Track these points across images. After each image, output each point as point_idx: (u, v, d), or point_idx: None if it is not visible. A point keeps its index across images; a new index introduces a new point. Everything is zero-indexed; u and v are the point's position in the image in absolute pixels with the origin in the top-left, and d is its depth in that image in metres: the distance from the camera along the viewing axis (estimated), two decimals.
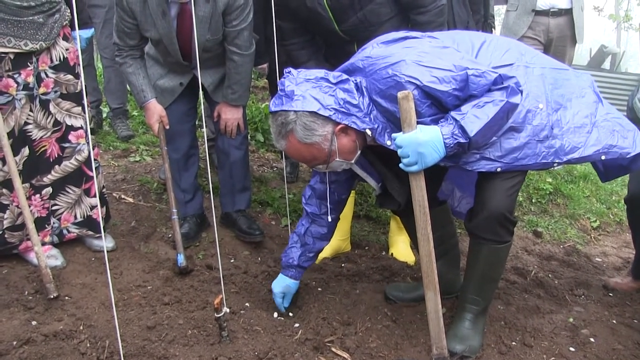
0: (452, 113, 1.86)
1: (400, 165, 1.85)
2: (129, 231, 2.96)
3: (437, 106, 1.87)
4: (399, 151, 1.83)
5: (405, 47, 1.92)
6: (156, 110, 2.73)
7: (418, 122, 1.83)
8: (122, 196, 3.30)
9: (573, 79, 2.14)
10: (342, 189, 2.30)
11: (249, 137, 4.27)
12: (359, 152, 1.98)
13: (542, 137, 2.01)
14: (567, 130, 2.04)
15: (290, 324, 2.28)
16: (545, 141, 2.02)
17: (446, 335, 1.99)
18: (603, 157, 2.07)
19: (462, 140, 1.84)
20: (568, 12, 3.92)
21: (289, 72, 1.94)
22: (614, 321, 2.49)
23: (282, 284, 2.36)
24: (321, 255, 2.89)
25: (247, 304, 2.40)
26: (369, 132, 1.87)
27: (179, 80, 2.81)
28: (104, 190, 2.86)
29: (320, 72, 1.91)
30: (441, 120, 1.88)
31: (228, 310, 2.09)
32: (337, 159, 1.93)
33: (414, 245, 2.53)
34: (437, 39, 2.06)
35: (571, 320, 2.45)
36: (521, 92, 1.91)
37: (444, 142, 1.83)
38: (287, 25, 2.76)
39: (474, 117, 1.83)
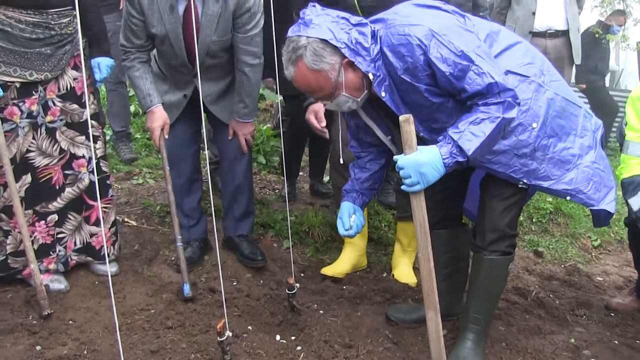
0: (450, 131, 1.89)
1: (403, 187, 1.87)
2: (132, 254, 2.99)
3: (434, 79, 1.90)
4: (400, 172, 1.86)
5: (432, 15, 1.94)
6: (162, 115, 2.70)
7: (414, 88, 1.90)
8: (126, 219, 3.33)
9: (581, 117, 2.15)
10: (376, 159, 2.30)
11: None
12: (365, 92, 1.98)
13: (520, 153, 2.06)
14: (550, 159, 2.09)
15: (292, 347, 2.30)
16: (522, 158, 2.06)
17: (448, 357, 2.00)
18: (568, 198, 2.13)
19: (460, 159, 1.87)
20: (565, 34, 3.98)
21: (314, 4, 1.97)
22: (616, 342, 2.50)
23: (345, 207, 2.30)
24: (342, 270, 2.96)
25: (249, 327, 2.42)
26: (371, 76, 1.90)
27: (182, 92, 2.82)
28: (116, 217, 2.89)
29: (344, 13, 1.95)
30: (440, 138, 1.92)
31: (230, 334, 2.10)
32: (344, 94, 1.94)
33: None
34: (468, 20, 2.05)
35: (572, 340, 2.46)
36: (519, 104, 1.92)
37: (443, 162, 1.86)
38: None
39: (471, 135, 1.86)
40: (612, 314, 2.76)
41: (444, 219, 2.40)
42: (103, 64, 2.66)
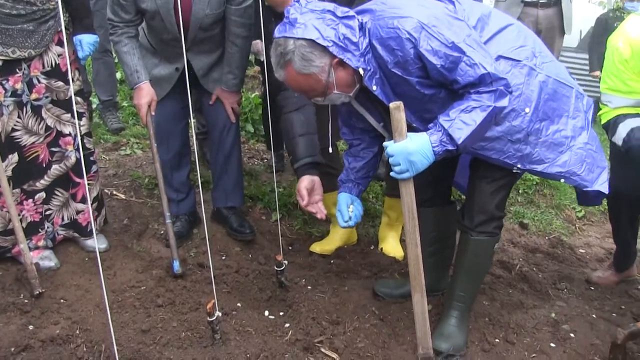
0: (440, 119, 1.89)
1: (392, 173, 1.89)
2: (122, 229, 3.01)
3: (425, 71, 1.89)
4: (390, 160, 1.87)
5: (421, 4, 1.91)
6: (149, 92, 2.69)
7: (405, 81, 1.89)
8: (114, 192, 3.34)
9: (573, 98, 2.15)
10: (369, 146, 2.31)
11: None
12: (357, 87, 1.99)
13: (514, 139, 2.07)
14: (543, 142, 2.10)
15: (280, 324, 2.35)
16: (516, 143, 2.08)
17: (432, 334, 2.06)
18: (562, 180, 2.15)
19: (450, 147, 1.88)
20: (557, 3, 3.95)
21: (298, 0, 1.94)
22: (594, 315, 2.58)
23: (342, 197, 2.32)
24: (330, 247, 3.00)
25: (238, 304, 2.46)
26: (361, 71, 1.90)
27: (173, 66, 2.79)
28: (101, 191, 2.89)
29: (330, 5, 1.92)
30: (430, 125, 1.92)
31: (220, 314, 2.15)
32: (335, 91, 1.95)
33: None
34: (459, 4, 2.03)
35: (553, 315, 2.54)
36: (511, 92, 1.91)
37: (433, 150, 1.87)
38: None
39: (462, 124, 1.86)
40: (592, 288, 2.84)
41: (434, 196, 2.43)
42: (85, 42, 2.59)
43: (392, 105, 1.81)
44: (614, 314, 2.61)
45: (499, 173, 2.18)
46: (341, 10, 1.92)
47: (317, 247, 2.99)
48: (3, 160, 2.45)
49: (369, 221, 3.43)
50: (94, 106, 4.42)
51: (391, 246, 3.06)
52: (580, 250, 3.36)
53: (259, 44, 3.40)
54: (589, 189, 2.17)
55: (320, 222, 3.24)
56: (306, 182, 2.38)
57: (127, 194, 3.34)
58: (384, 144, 1.91)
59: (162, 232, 2.98)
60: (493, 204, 2.20)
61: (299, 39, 1.85)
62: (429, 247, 2.50)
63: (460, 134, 1.86)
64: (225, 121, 2.92)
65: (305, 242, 3.09)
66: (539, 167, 2.12)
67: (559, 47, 4.14)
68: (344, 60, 1.88)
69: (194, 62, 2.77)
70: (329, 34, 1.85)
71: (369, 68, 1.91)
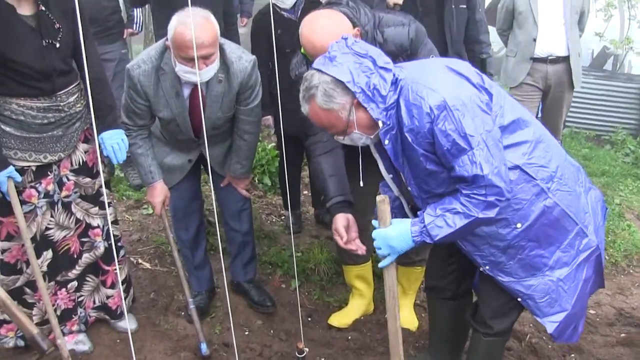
0: (426, 212, 1.97)
1: (378, 251, 2.07)
2: (149, 303, 3.17)
3: (433, 147, 1.92)
4: (374, 243, 2.06)
5: (455, 85, 1.91)
6: (163, 190, 2.85)
7: (413, 149, 1.94)
8: (140, 261, 3.49)
9: (572, 234, 2.08)
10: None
11: (256, 180, 4.44)
12: (378, 132, 2.00)
13: (494, 244, 2.07)
14: (520, 259, 2.08)
15: None
16: (493, 249, 2.07)
17: None
18: (519, 299, 2.14)
19: (428, 240, 1.99)
20: (565, 60, 3.99)
21: (346, 37, 1.99)
22: None
23: None
24: (348, 321, 3.10)
25: None
26: (380, 123, 1.95)
27: (186, 157, 2.92)
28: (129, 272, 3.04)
29: (375, 51, 1.97)
30: (420, 213, 2.02)
31: None
32: (356, 131, 1.99)
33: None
34: (499, 98, 2.00)
35: None
36: (507, 199, 1.90)
37: (412, 239, 2.00)
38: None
39: (443, 223, 1.93)
40: None
41: (456, 292, 2.50)
42: (106, 138, 2.62)
43: (378, 198, 2.01)
44: None
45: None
46: (383, 60, 1.96)
47: (335, 321, 3.11)
48: (38, 257, 2.60)
49: (383, 285, 3.54)
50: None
51: (404, 316, 3.16)
52: (591, 312, 3.44)
53: (269, 119, 3.54)
54: (538, 318, 2.15)
55: (337, 291, 3.38)
56: (342, 220, 2.40)
57: (152, 262, 3.49)
58: (373, 222, 2.07)
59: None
60: (506, 314, 2.25)
61: (329, 75, 1.91)
62: (444, 334, 2.62)
63: (439, 232, 1.95)
64: (238, 202, 3.05)
65: (323, 313, 3.21)
66: (504, 278, 2.11)
67: (568, 101, 4.19)
68: (367, 109, 1.93)
69: (208, 153, 2.89)
70: (360, 81, 1.91)
71: (388, 123, 1.95)
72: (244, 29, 5.10)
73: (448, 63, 2.02)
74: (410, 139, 1.92)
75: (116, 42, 4.15)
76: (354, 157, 2.33)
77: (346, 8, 2.38)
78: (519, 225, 2.03)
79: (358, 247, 2.40)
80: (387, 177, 2.23)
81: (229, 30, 3.93)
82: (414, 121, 1.88)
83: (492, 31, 4.33)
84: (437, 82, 1.90)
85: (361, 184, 2.42)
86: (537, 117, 4.40)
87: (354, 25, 2.35)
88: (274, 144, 4.73)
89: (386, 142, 1.98)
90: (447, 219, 1.94)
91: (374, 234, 2.05)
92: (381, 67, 1.94)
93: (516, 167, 1.98)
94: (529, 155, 2.00)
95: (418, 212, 2.05)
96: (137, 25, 4.25)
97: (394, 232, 2.01)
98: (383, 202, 2.02)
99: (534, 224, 2.04)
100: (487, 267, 2.13)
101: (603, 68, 7.28)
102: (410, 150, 1.96)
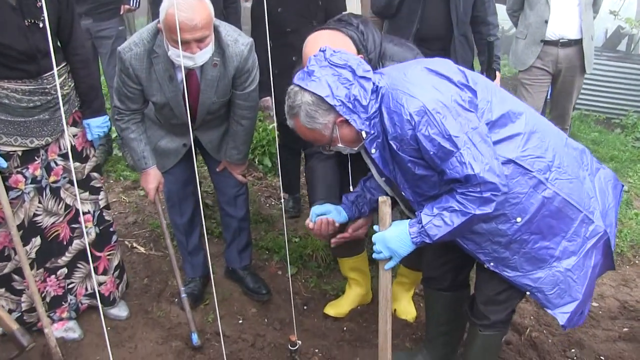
0: (423, 213, 1.94)
1: (374, 255, 2.03)
2: (142, 289, 3.11)
3: (419, 152, 1.89)
4: (374, 246, 2.01)
5: (435, 87, 1.87)
6: (157, 176, 2.77)
7: (399, 155, 1.92)
8: (134, 245, 3.43)
9: (577, 221, 2.02)
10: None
11: (256, 161, 4.36)
12: (362, 143, 2.01)
13: (495, 240, 2.03)
14: (525, 253, 2.03)
15: None
16: (495, 245, 2.03)
17: None
18: (527, 293, 2.10)
19: (427, 240, 1.95)
20: (578, 43, 3.82)
21: (324, 50, 1.97)
22: None
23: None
24: (344, 310, 3.04)
25: None
26: (364, 134, 1.94)
27: (181, 141, 2.83)
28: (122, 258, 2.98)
29: (354, 61, 1.94)
30: (417, 213, 1.98)
31: None
32: (340, 145, 2.00)
33: None
34: (484, 93, 1.95)
35: None
36: (504, 193, 1.86)
37: (412, 240, 1.97)
38: None
39: (441, 222, 1.91)
40: (602, 358, 2.87)
41: (452, 283, 2.45)
42: (93, 126, 2.61)
43: (380, 199, 1.98)
44: None
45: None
46: (363, 69, 1.93)
47: (331, 310, 3.06)
48: (27, 244, 2.55)
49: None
50: (113, 136, 4.49)
51: (403, 307, 3.11)
52: (594, 304, 3.36)
53: (268, 101, 3.42)
54: (549, 310, 2.10)
55: (335, 278, 3.31)
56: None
57: (146, 247, 3.43)
58: (374, 226, 2.04)
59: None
60: (504, 305, 2.20)
61: (309, 92, 1.90)
62: (440, 326, 2.57)
63: (437, 232, 1.92)
64: (234, 187, 2.98)
65: (319, 302, 3.15)
66: (510, 273, 2.07)
67: (579, 86, 4.03)
68: (349, 121, 1.92)
69: (202, 138, 2.81)
70: (339, 94, 1.89)
71: (372, 132, 1.94)
72: (248, 3, 4.95)
73: (428, 64, 1.99)
74: (395, 147, 1.91)
75: (113, 19, 4.02)
76: (344, 163, 2.37)
77: (354, 31, 2.31)
78: (518, 219, 1.99)
79: (359, 234, 2.47)
80: (380, 180, 2.19)
81: (228, 8, 3.79)
82: (397, 129, 1.87)
83: (501, 9, 4.18)
84: (416, 87, 1.88)
85: (351, 189, 2.45)
86: (546, 101, 4.27)
87: (358, 51, 2.28)
88: (275, 124, 4.63)
89: (373, 150, 1.98)
90: (444, 218, 1.91)
91: (374, 237, 2.00)
92: (361, 77, 1.91)
93: (510, 161, 1.94)
94: (522, 148, 1.96)
95: (416, 212, 2.00)
96: (135, 1, 4.12)
97: (393, 234, 1.98)
98: (384, 204, 1.97)
99: (534, 217, 1.99)
100: (492, 264, 2.09)
101: (617, 49, 7.07)
102: (398, 157, 1.94)
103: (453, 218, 1.89)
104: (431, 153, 1.84)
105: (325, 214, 2.39)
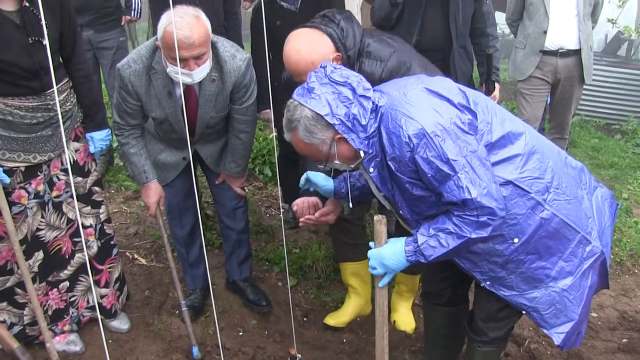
0: (419, 232, 1.95)
1: (369, 269, 2.05)
2: (143, 301, 3.13)
3: (418, 174, 1.89)
4: (369, 262, 2.03)
5: (434, 109, 1.86)
6: (157, 190, 2.80)
7: (397, 176, 1.92)
8: (136, 256, 3.45)
9: (574, 242, 2.01)
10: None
11: (256, 171, 4.38)
12: (359, 160, 2.01)
13: (492, 260, 2.02)
14: (521, 272, 2.02)
15: None
16: (492, 264, 2.03)
17: None
18: (523, 313, 2.10)
19: (422, 260, 1.96)
20: (576, 53, 3.84)
21: (325, 66, 1.96)
22: None
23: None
24: (344, 320, 3.04)
25: None
26: (362, 153, 1.94)
27: (181, 155, 2.85)
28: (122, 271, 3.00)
29: (355, 78, 1.93)
30: (415, 230, 1.98)
31: None
32: (337, 161, 1.99)
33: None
34: (485, 114, 1.94)
35: None
36: (501, 217, 1.86)
37: (407, 258, 1.98)
38: None
39: (437, 243, 1.91)
40: None
41: (451, 298, 2.46)
42: (96, 139, 2.66)
43: (376, 217, 1.99)
44: None
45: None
46: (363, 87, 1.92)
47: (331, 320, 3.07)
48: (29, 258, 2.57)
49: None
50: (114, 145, 4.51)
51: (402, 317, 3.12)
52: (593, 315, 3.37)
53: (268, 113, 3.44)
54: (545, 330, 2.10)
55: (335, 290, 3.33)
56: (303, 200, 2.45)
57: (147, 258, 3.45)
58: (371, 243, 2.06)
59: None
60: (501, 324, 2.21)
61: (308, 108, 1.89)
62: (439, 340, 2.58)
63: (432, 253, 1.93)
64: (233, 200, 3.00)
65: (319, 313, 3.17)
66: (506, 292, 2.06)
67: (578, 96, 4.05)
68: (348, 140, 1.91)
69: (202, 152, 2.84)
70: (339, 112, 1.88)
71: (371, 151, 1.94)
72: (248, 9, 4.97)
73: (428, 84, 1.98)
74: (393, 167, 1.91)
75: (114, 30, 4.05)
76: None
77: (334, 28, 2.33)
78: (515, 240, 1.98)
79: (327, 219, 2.44)
80: (379, 195, 2.18)
81: (229, 20, 3.81)
82: (395, 150, 1.87)
83: (500, 17, 4.20)
84: (416, 108, 1.87)
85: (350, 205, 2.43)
86: (545, 107, 4.27)
87: (337, 49, 2.30)
88: (275, 134, 4.65)
89: (371, 169, 1.97)
90: (440, 239, 1.91)
91: (369, 254, 2.02)
92: (361, 96, 1.91)
93: (508, 182, 1.93)
94: (521, 169, 1.95)
95: (412, 231, 2.00)
96: (136, 12, 4.14)
97: (388, 252, 1.99)
98: (380, 223, 2.00)
99: (531, 237, 1.98)
100: (488, 283, 2.09)
101: (617, 54, 7.08)
102: (396, 177, 1.95)
103: (449, 240, 1.90)
104: (429, 175, 1.84)
105: (315, 180, 2.36)
